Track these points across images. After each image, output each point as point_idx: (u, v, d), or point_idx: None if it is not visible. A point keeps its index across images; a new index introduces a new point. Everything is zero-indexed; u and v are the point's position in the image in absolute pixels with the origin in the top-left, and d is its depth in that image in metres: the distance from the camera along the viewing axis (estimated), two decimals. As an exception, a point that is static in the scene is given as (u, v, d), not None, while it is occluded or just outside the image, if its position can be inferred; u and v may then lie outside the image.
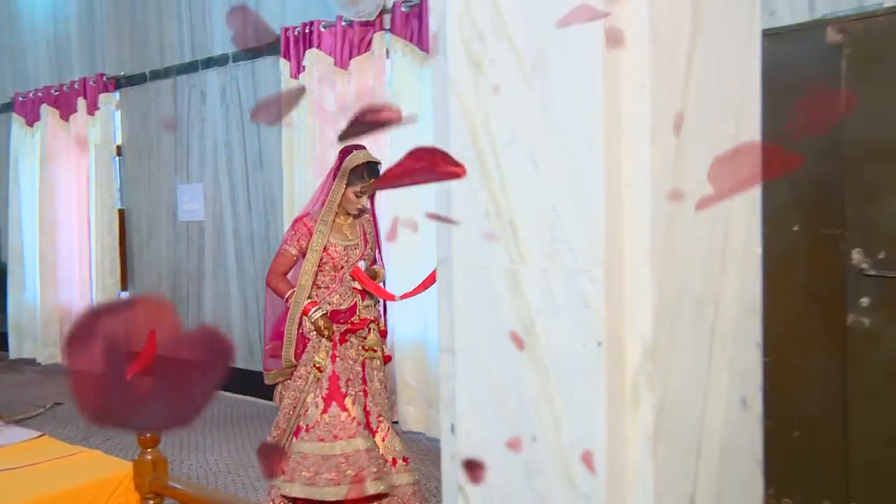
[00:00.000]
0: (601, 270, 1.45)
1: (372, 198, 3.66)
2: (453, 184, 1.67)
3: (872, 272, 2.93)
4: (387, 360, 3.76)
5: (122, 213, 7.06)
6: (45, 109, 7.05)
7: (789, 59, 3.09)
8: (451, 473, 1.79)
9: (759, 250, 1.89)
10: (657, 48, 1.46)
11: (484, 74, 1.57)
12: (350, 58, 4.96)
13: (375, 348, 3.67)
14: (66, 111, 6.97)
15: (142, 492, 2.36)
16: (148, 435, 2.33)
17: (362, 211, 3.65)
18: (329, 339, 3.45)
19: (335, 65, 4.98)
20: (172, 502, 2.36)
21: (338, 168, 3.52)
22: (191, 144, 6.26)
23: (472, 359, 1.69)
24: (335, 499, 3.32)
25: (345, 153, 3.52)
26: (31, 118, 7.26)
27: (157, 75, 6.42)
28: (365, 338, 3.59)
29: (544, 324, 1.53)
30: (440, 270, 1.79)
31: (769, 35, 3.21)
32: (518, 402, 1.59)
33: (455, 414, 1.73)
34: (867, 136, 2.91)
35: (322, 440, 3.35)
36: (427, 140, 1.60)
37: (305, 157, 5.13)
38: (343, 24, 4.94)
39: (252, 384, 5.96)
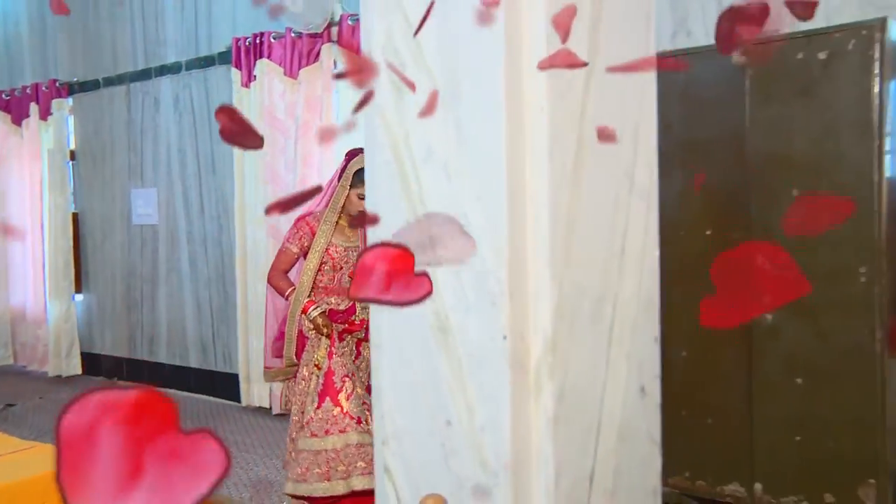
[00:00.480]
0: (505, 272, 1.60)
1: None
2: (380, 193, 1.81)
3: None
4: None
5: (76, 216, 7.02)
6: (-3, 115, 7.02)
7: (701, 77, 3.28)
8: (380, 456, 1.92)
9: (656, 253, 2.05)
10: (555, 76, 1.62)
11: (404, 98, 1.71)
12: (299, 68, 5.05)
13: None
14: (19, 116, 6.92)
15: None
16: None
17: (364, 213, 3.46)
18: (328, 336, 3.37)
19: (285, 74, 5.07)
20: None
21: (343, 169, 3.42)
22: (144, 150, 6.27)
23: (396, 352, 1.82)
24: (325, 494, 3.25)
25: (351, 155, 3.42)
26: (-18, 123, 7.18)
27: (110, 82, 6.40)
28: (362, 339, 3.48)
29: (457, 320, 1.68)
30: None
31: (688, 55, 3.41)
32: (435, 391, 1.73)
33: (381, 402, 1.86)
34: (767, 149, 3.11)
35: (315, 435, 3.27)
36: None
37: (256, 162, 5.20)
38: (292, 35, 5.03)
39: (205, 383, 6.02)
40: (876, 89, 2.86)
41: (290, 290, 3.44)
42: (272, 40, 5.15)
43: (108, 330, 6.83)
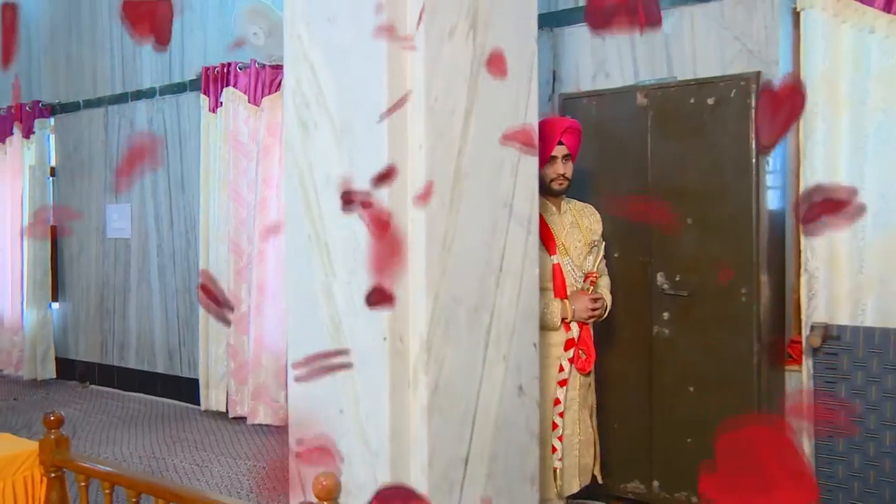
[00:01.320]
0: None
1: None
2: (290, 213, 2.02)
3: (671, 291, 3.38)
4: None
5: (54, 230, 7.15)
6: (-17, 133, 7.15)
7: (611, 116, 3.53)
8: (290, 441, 2.12)
9: (536, 271, 2.28)
10: (433, 118, 1.84)
11: (309, 134, 1.92)
12: (262, 96, 5.25)
13: None
14: (3, 134, 7.05)
15: (45, 466, 2.59)
16: (52, 418, 2.58)
17: None
18: None
19: (249, 102, 5.26)
20: (73, 475, 2.60)
21: None
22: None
23: (300, 351, 2.03)
24: None
25: None
26: (-31, 140, 7.28)
27: (90, 104, 6.57)
28: None
29: (349, 323, 1.89)
30: (285, 283, 2.12)
31: (596, 96, 3.67)
32: (331, 384, 1.93)
33: (289, 394, 2.06)
34: (665, 181, 3.36)
35: None
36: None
37: (220, 182, 5.38)
38: (257, 66, 5.25)
39: (170, 388, 6.16)
40: (753, 133, 3.13)
41: None
42: (238, 70, 5.35)
43: (82, 337, 6.94)
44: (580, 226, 2.81)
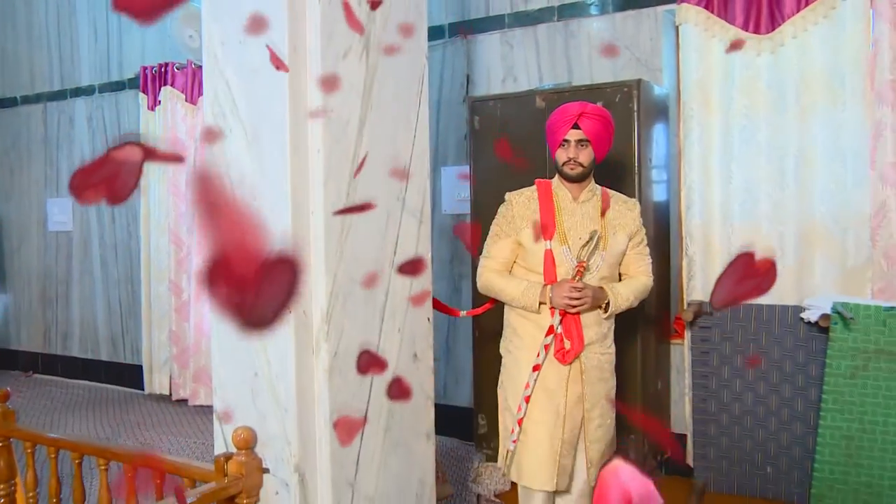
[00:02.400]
0: (291, 266, 2.14)
1: None
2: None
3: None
4: None
5: (-7, 223, 7.28)
6: (-80, 126, 7.19)
7: (514, 117, 3.89)
8: (215, 402, 2.42)
9: (428, 256, 2.62)
10: (330, 127, 2.16)
11: (226, 139, 2.23)
12: (199, 95, 5.46)
13: None
14: (-59, 129, 7.14)
15: (-7, 435, 2.88)
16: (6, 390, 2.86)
17: None
18: None
19: (186, 100, 5.49)
20: (19, 444, 2.86)
21: None
22: (60, 163, 6.56)
23: (221, 323, 2.34)
24: None
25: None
26: None
27: (27, 100, 6.67)
28: None
29: (261, 300, 2.20)
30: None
31: (501, 99, 4.03)
32: (247, 351, 2.25)
33: (214, 362, 2.37)
34: (561, 176, 3.77)
35: None
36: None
37: (160, 176, 5.58)
38: (193, 66, 5.47)
39: (114, 374, 6.36)
40: (635, 133, 3.52)
41: None
42: (175, 70, 5.58)
43: (24, 327, 7.07)
44: (600, 217, 2.68)
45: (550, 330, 2.63)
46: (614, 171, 3.61)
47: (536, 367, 2.64)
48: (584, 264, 2.61)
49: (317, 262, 2.17)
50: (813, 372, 3.35)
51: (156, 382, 5.79)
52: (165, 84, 5.60)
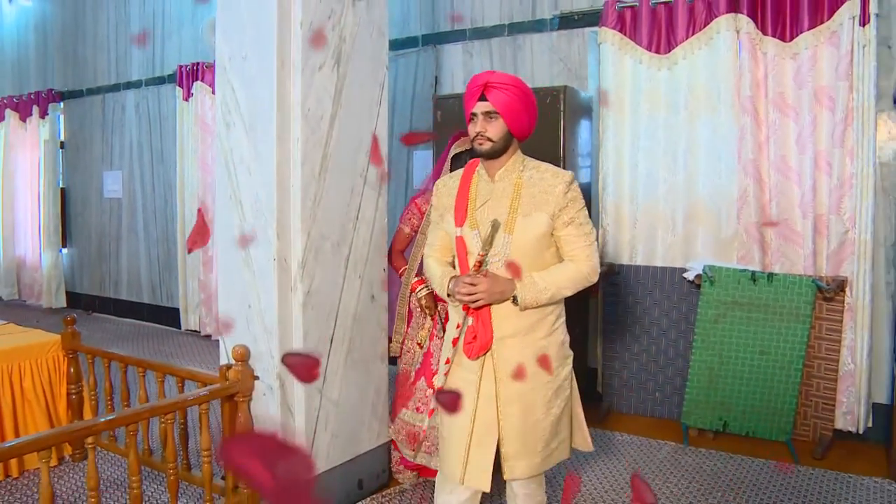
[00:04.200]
0: (275, 224, 2.42)
1: None
2: (219, 184, 2.60)
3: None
4: None
5: (63, 191, 7.51)
6: (9, 113, 7.40)
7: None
8: (221, 325, 2.72)
9: (385, 219, 2.90)
10: (307, 121, 2.44)
11: (230, 130, 2.51)
12: (226, 89, 5.73)
13: None
14: (24, 115, 7.33)
15: (66, 350, 3.17)
16: (68, 318, 3.17)
17: None
18: (431, 317, 2.77)
19: (212, 93, 5.69)
20: (84, 357, 3.20)
21: (448, 151, 2.79)
22: (113, 143, 6.81)
23: (226, 272, 2.63)
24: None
25: (455, 138, 2.81)
26: (-2, 120, 7.56)
27: (91, 92, 6.89)
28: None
29: (254, 252, 2.50)
30: (216, 226, 2.72)
31: (459, 97, 4.26)
32: (243, 289, 2.55)
33: (220, 298, 2.67)
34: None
35: (418, 409, 2.83)
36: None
37: (192, 155, 5.85)
38: (221, 65, 5.70)
39: (154, 314, 6.67)
40: (561, 132, 3.78)
41: (403, 268, 2.91)
42: (205, 67, 5.79)
43: (86, 274, 7.38)
44: (518, 195, 1.98)
45: (458, 324, 2.02)
46: (543, 159, 3.87)
47: (448, 361, 2.04)
48: (483, 256, 1.92)
49: (294, 223, 2.46)
50: (692, 319, 3.66)
51: (190, 321, 6.09)
52: (197, 79, 5.81)
